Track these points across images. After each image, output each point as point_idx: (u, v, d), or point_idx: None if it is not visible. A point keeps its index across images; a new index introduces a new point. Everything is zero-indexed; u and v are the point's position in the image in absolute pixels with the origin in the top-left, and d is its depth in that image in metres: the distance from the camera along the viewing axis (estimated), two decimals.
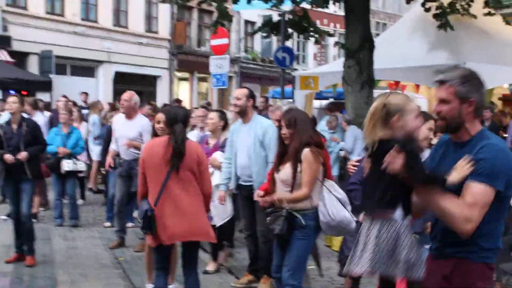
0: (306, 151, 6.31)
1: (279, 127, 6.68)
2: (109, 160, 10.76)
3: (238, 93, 8.58)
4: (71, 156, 12.05)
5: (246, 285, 8.34)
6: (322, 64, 38.27)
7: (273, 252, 6.94)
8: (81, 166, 12.45)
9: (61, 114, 12.44)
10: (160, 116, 7.32)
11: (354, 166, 6.05)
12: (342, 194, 6.53)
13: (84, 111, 17.33)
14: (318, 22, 37.99)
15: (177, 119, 6.68)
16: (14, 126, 9.21)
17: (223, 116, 9.56)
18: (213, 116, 9.51)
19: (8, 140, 9.09)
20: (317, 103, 22.46)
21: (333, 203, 6.42)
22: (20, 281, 8.51)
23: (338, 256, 7.57)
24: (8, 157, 8.93)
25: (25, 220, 9.24)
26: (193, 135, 10.76)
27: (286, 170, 6.42)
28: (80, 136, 12.55)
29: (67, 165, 11.96)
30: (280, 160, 6.56)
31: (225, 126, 9.32)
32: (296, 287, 6.47)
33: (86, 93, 21.33)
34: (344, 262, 6.77)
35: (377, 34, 35.15)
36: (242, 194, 8.38)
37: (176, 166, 6.55)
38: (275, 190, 6.58)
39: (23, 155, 9.02)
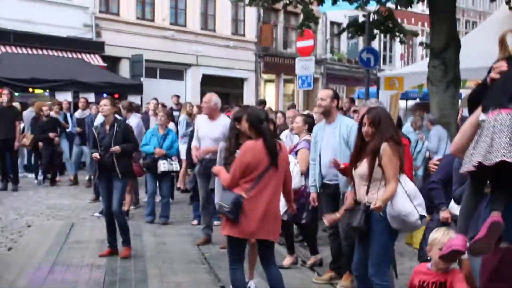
0: (384, 146, 6.32)
1: (361, 124, 6.68)
2: (195, 153, 10.84)
3: (322, 94, 8.63)
4: (166, 156, 12.29)
5: (328, 281, 8.40)
6: (410, 64, 37.89)
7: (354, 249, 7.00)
8: (176, 166, 12.61)
9: (160, 116, 12.69)
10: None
11: (435, 165, 6.07)
12: (410, 187, 6.49)
13: (176, 113, 17.59)
14: (405, 21, 37.90)
15: (261, 119, 6.87)
16: (107, 127, 9.53)
17: (308, 119, 9.70)
18: (299, 120, 9.68)
19: (101, 141, 9.43)
20: (403, 104, 22.33)
21: (397, 195, 6.39)
22: (113, 274, 8.74)
23: (418, 254, 7.59)
24: (96, 155, 9.29)
25: (116, 216, 9.54)
26: (284, 136, 10.98)
27: (364, 166, 6.46)
28: (175, 138, 12.79)
29: (163, 165, 12.17)
30: (358, 156, 6.61)
31: (310, 129, 9.44)
32: (378, 283, 6.47)
33: (178, 96, 21.46)
34: (423, 260, 6.87)
35: (466, 33, 34.68)
36: (325, 193, 8.41)
37: (273, 164, 6.75)
38: (354, 186, 6.65)
39: (115, 148, 9.33)
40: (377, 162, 6.41)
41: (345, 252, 8.06)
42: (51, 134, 16.85)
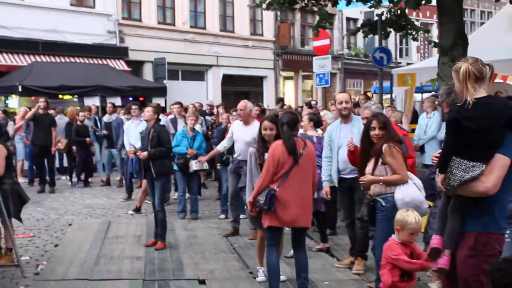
0: (384, 147, 6.90)
1: (368, 127, 7.21)
2: (211, 155, 11.82)
3: (345, 97, 9.12)
4: (197, 156, 12.66)
5: (348, 265, 8.92)
6: (426, 57, 38.03)
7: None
8: (205, 165, 13.01)
9: (190, 119, 13.08)
10: (267, 124, 8.00)
11: (437, 157, 6.70)
12: (418, 181, 7.06)
13: (208, 117, 18.00)
14: (420, 15, 38.10)
15: (282, 123, 7.63)
16: (148, 132, 10.30)
17: (313, 117, 10.29)
18: (305, 119, 10.28)
19: (143, 142, 10.28)
20: (418, 97, 22.84)
21: (409, 185, 6.91)
22: (152, 264, 9.24)
23: (423, 236, 7.94)
24: (140, 154, 10.22)
25: (157, 211, 10.23)
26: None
27: (371, 165, 7.06)
28: (203, 139, 13.28)
29: (195, 165, 12.57)
30: (366, 156, 7.17)
31: (315, 125, 10.08)
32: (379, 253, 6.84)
33: (211, 105, 20.90)
34: (428, 241, 7.56)
35: (482, 23, 34.67)
36: (343, 186, 8.91)
37: (296, 160, 7.39)
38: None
39: (143, 154, 10.12)
40: (380, 161, 6.98)
41: (360, 239, 8.61)
42: (88, 140, 17.49)
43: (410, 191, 6.88)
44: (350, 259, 9.07)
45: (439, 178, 5.10)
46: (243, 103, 11.28)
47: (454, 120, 4.95)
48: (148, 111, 10.47)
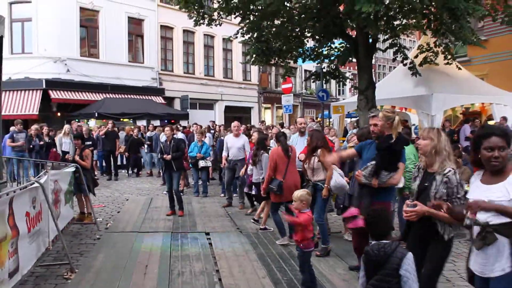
0: (319, 150, 7.00)
1: (311, 138, 7.15)
2: (224, 161, 11.48)
3: (302, 121, 9.40)
4: (203, 158, 12.69)
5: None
6: (355, 95, 38.13)
7: None
8: (209, 163, 12.93)
9: (197, 135, 13.02)
10: (255, 137, 8.62)
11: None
12: (340, 171, 7.05)
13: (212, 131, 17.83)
14: (351, 68, 38.25)
15: (279, 135, 8.04)
16: (168, 142, 10.38)
17: (261, 134, 10.08)
18: (255, 136, 10.19)
19: (165, 149, 10.31)
20: (348, 120, 23.07)
21: (338, 176, 6.91)
22: (177, 223, 9.47)
23: (334, 204, 8.19)
24: (167, 157, 10.17)
25: (176, 192, 10.28)
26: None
27: (311, 162, 7.12)
28: (208, 146, 13.10)
29: (201, 163, 12.63)
30: (308, 157, 7.21)
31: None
32: (319, 223, 6.97)
33: (213, 121, 21.66)
34: (338, 207, 7.79)
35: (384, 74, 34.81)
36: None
37: (289, 158, 7.72)
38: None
39: (167, 157, 10.14)
40: (316, 159, 7.11)
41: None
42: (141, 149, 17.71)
43: (337, 179, 6.91)
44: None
45: (373, 181, 5.42)
46: (236, 123, 11.46)
47: (387, 147, 5.33)
48: (167, 130, 10.52)
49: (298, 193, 5.53)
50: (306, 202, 5.49)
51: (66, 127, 15.55)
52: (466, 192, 3.79)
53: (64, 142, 14.99)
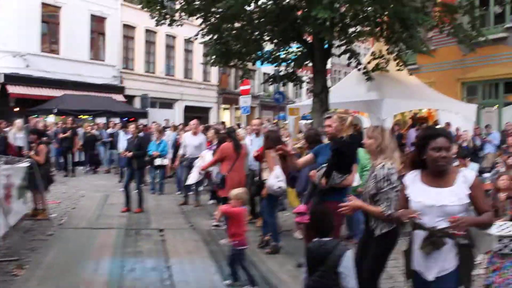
0: (268, 151, 6.92)
1: (266, 138, 7.10)
2: (177, 161, 11.54)
3: (258, 122, 9.29)
4: (160, 156, 12.47)
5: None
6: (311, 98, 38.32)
7: None
8: (165, 161, 12.74)
9: (155, 134, 12.86)
10: (211, 135, 8.68)
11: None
12: (278, 171, 6.87)
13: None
14: (308, 72, 38.50)
15: (229, 133, 8.15)
16: (132, 139, 10.37)
17: (219, 134, 10.12)
18: (210, 133, 10.44)
19: (128, 146, 10.25)
20: (303, 121, 23.23)
21: (272, 177, 6.82)
22: (132, 220, 9.36)
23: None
24: (126, 153, 10.11)
25: (137, 189, 10.22)
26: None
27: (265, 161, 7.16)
28: (166, 145, 12.89)
29: (158, 162, 12.48)
30: (262, 156, 7.25)
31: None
32: (268, 220, 7.10)
33: (167, 120, 21.68)
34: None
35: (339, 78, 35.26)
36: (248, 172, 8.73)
37: (238, 155, 7.76)
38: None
39: (128, 154, 10.07)
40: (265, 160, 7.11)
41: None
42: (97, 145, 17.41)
43: (269, 180, 6.84)
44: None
45: (322, 181, 5.21)
46: (194, 121, 11.33)
47: (336, 149, 5.13)
48: (133, 128, 10.54)
49: (235, 192, 5.61)
50: (241, 201, 5.57)
51: (18, 121, 14.82)
52: (395, 187, 3.77)
53: (17, 137, 14.41)
